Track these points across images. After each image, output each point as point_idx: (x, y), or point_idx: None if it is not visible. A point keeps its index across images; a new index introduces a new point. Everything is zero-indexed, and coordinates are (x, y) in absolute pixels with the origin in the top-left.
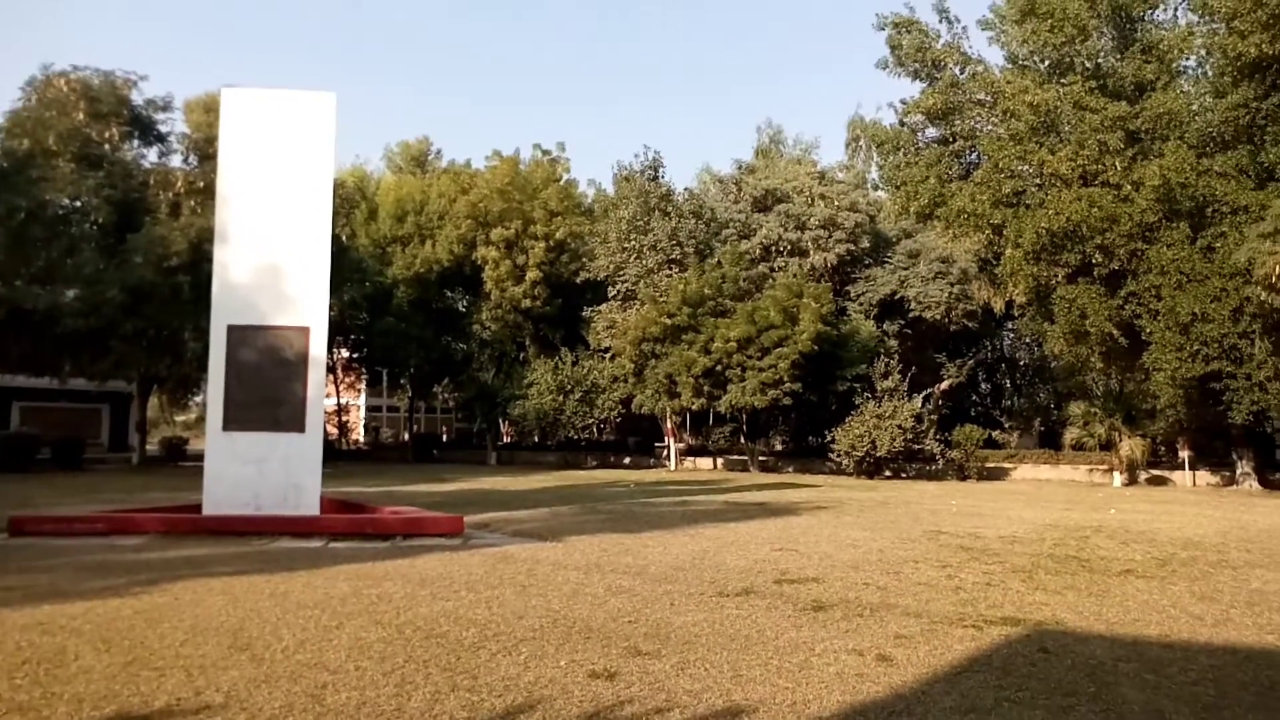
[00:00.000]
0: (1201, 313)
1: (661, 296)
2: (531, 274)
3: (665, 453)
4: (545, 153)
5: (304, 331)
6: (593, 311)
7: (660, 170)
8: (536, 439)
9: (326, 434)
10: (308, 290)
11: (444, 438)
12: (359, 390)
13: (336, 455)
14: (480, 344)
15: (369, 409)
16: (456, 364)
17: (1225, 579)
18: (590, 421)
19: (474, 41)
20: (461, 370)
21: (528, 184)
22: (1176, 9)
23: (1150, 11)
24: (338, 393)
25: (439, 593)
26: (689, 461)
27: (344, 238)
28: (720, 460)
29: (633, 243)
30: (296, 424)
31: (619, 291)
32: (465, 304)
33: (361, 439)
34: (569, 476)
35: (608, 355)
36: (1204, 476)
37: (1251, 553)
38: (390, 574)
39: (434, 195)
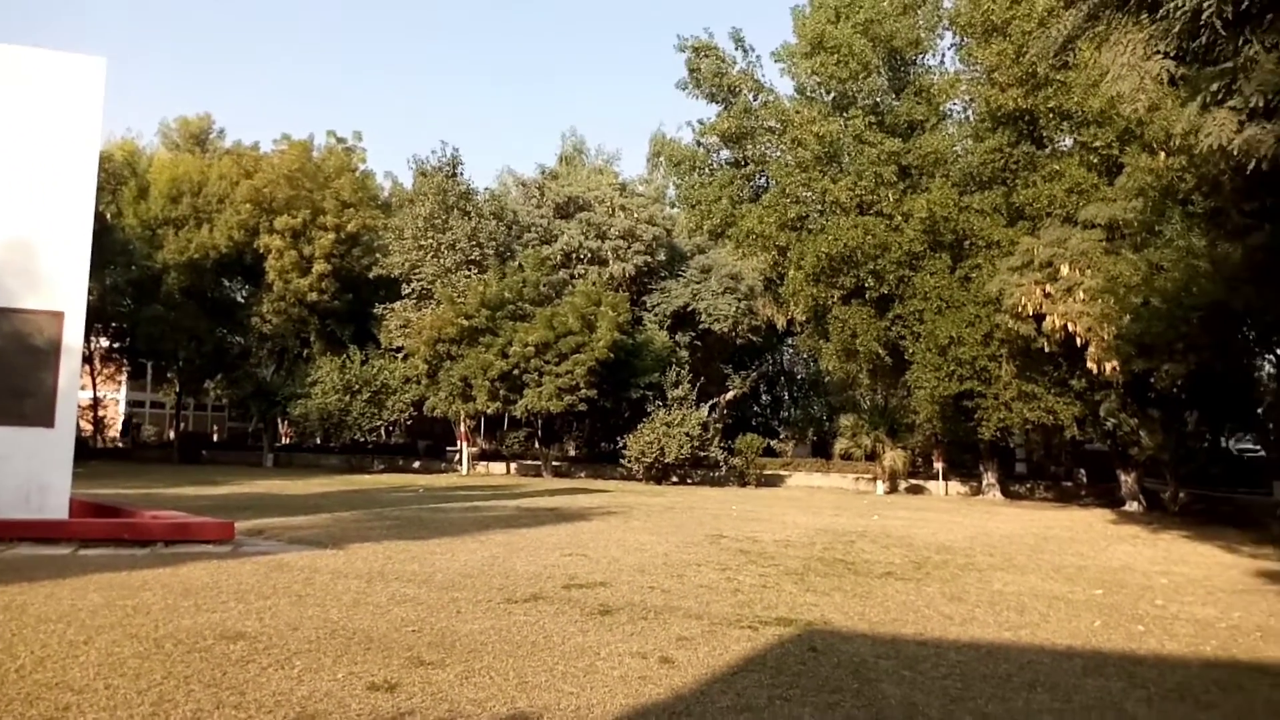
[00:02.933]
0: (957, 336)
1: (460, 297)
2: (319, 266)
3: (457, 457)
4: (340, 141)
5: (57, 316)
6: (385, 309)
7: (459, 168)
8: (319, 441)
9: (80, 430)
10: (64, 271)
11: (215, 437)
12: (119, 383)
13: (91, 454)
14: (260, 338)
15: (130, 404)
16: (232, 358)
17: (971, 581)
18: (379, 423)
19: (269, 18)
20: (237, 365)
21: (319, 172)
22: (945, 56)
23: (922, 56)
24: (94, 385)
25: (204, 603)
26: (482, 466)
27: (109, 216)
28: (514, 465)
29: (430, 240)
30: (44, 418)
31: (414, 290)
32: (244, 294)
33: (120, 436)
34: (354, 480)
35: (400, 355)
36: (955, 486)
37: (994, 557)
38: (149, 583)
39: (214, 177)
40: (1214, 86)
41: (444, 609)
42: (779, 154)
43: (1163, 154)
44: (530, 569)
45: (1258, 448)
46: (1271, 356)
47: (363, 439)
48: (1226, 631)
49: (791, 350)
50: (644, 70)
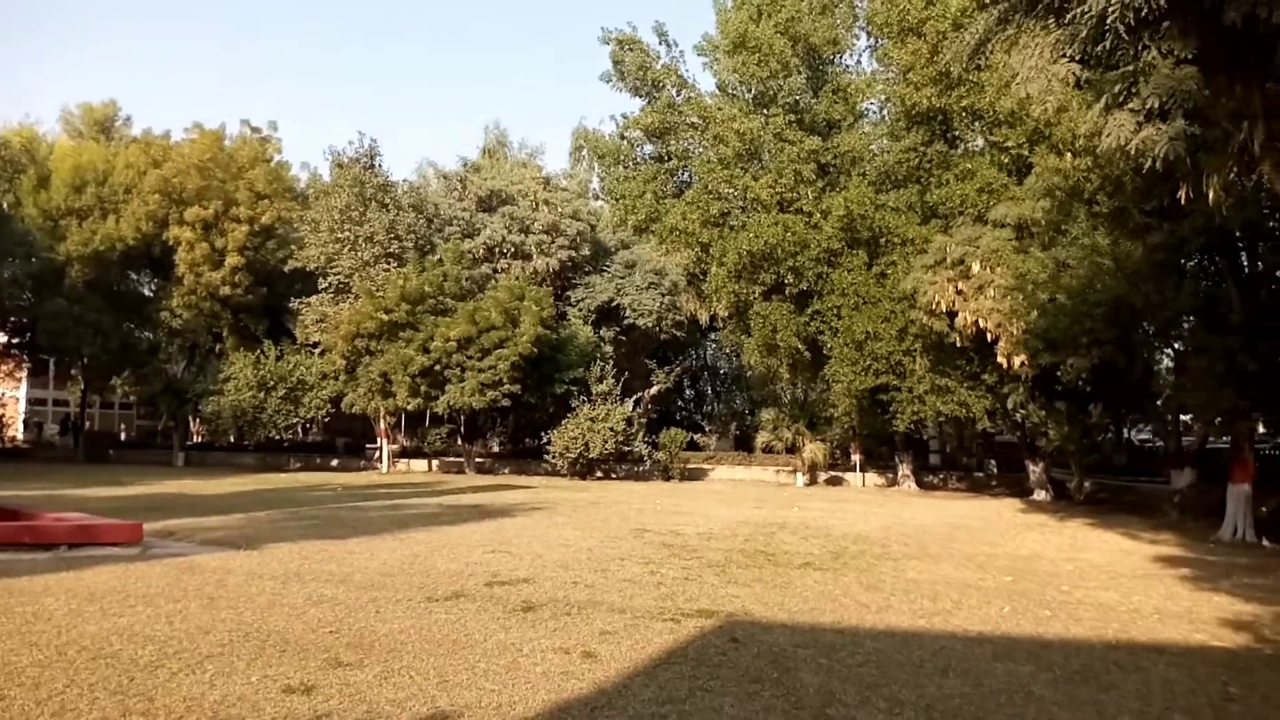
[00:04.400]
0: (873, 332)
1: (379, 291)
2: (232, 259)
3: (377, 455)
4: (255, 130)
5: None
6: (301, 303)
7: (377, 159)
8: (233, 439)
9: None
10: None
11: (122, 436)
12: (19, 380)
13: None
14: (169, 333)
15: (31, 402)
16: (140, 354)
17: (887, 570)
18: (295, 421)
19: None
20: (146, 361)
21: (232, 162)
22: (862, 57)
23: (840, 56)
24: None
25: (110, 608)
26: (403, 464)
27: (6, 206)
28: (436, 462)
29: (347, 233)
30: None
31: (331, 284)
32: (153, 288)
33: (20, 435)
34: (269, 480)
35: (317, 351)
36: (872, 478)
37: (908, 546)
38: (51, 588)
39: (120, 166)
40: (1116, 89)
41: (363, 609)
42: (701, 150)
43: (1069, 155)
44: (452, 567)
45: (1156, 438)
46: (1169, 350)
47: (278, 437)
48: (1127, 615)
49: (715, 345)
50: (567, 63)
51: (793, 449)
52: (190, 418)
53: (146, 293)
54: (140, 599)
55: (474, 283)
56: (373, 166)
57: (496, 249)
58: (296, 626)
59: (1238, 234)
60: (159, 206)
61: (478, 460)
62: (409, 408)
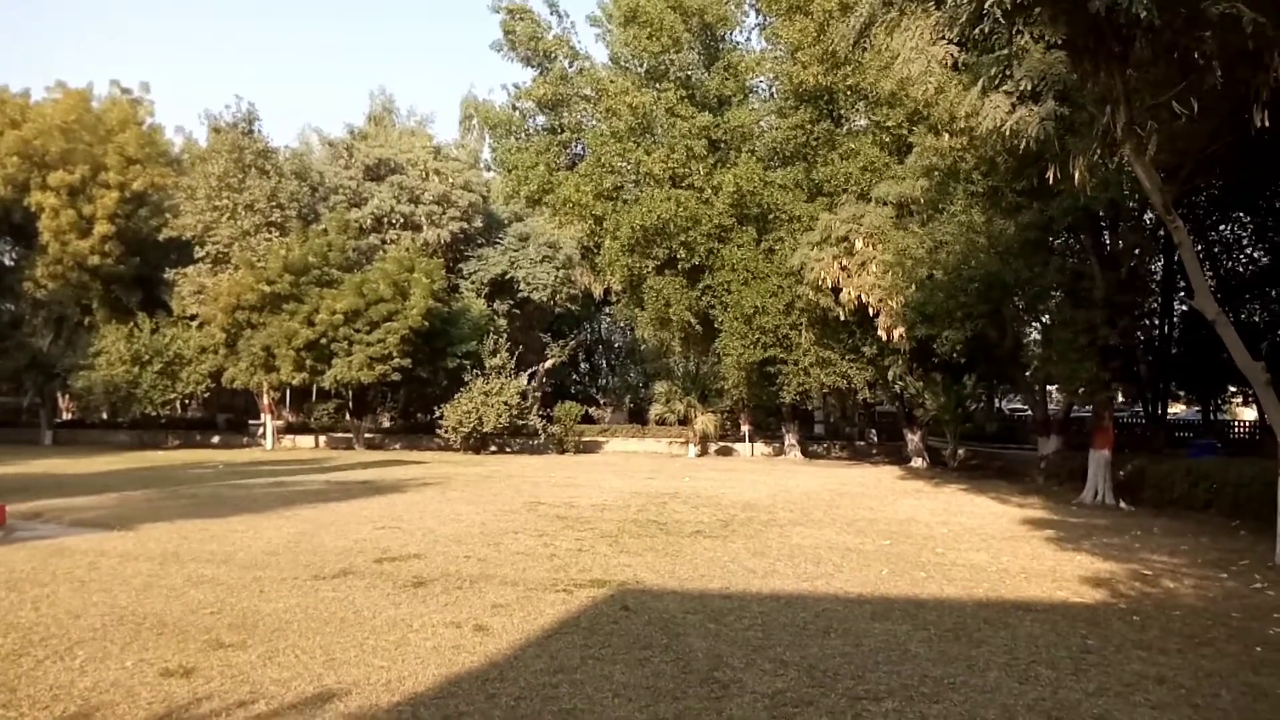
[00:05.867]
0: (762, 306)
1: (260, 261)
2: (101, 227)
3: (261, 431)
4: (125, 91)
5: None
6: (178, 274)
7: (256, 123)
8: (105, 416)
9: None
10: None
11: None
12: None
13: None
14: (34, 305)
15: None
16: (2, 327)
17: (773, 536)
18: (173, 397)
19: None
20: (8, 335)
21: (100, 124)
22: (752, 34)
23: (730, 33)
24: None
25: None
26: (288, 440)
27: None
28: (323, 439)
29: (225, 201)
30: None
31: (209, 253)
32: (14, 257)
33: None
34: (145, 458)
35: (195, 323)
36: (761, 448)
37: (794, 513)
38: None
39: None
40: (991, 72)
41: (246, 589)
42: (595, 123)
43: (947, 135)
44: (340, 544)
45: (1026, 407)
46: (1038, 324)
47: (155, 413)
48: (996, 574)
49: (609, 319)
50: (456, 28)
51: (685, 421)
52: (59, 394)
53: (6, 261)
54: (2, 584)
55: (361, 254)
56: (252, 132)
57: (385, 219)
58: (175, 608)
59: (1101, 214)
60: (18, 170)
61: (367, 436)
62: (294, 382)
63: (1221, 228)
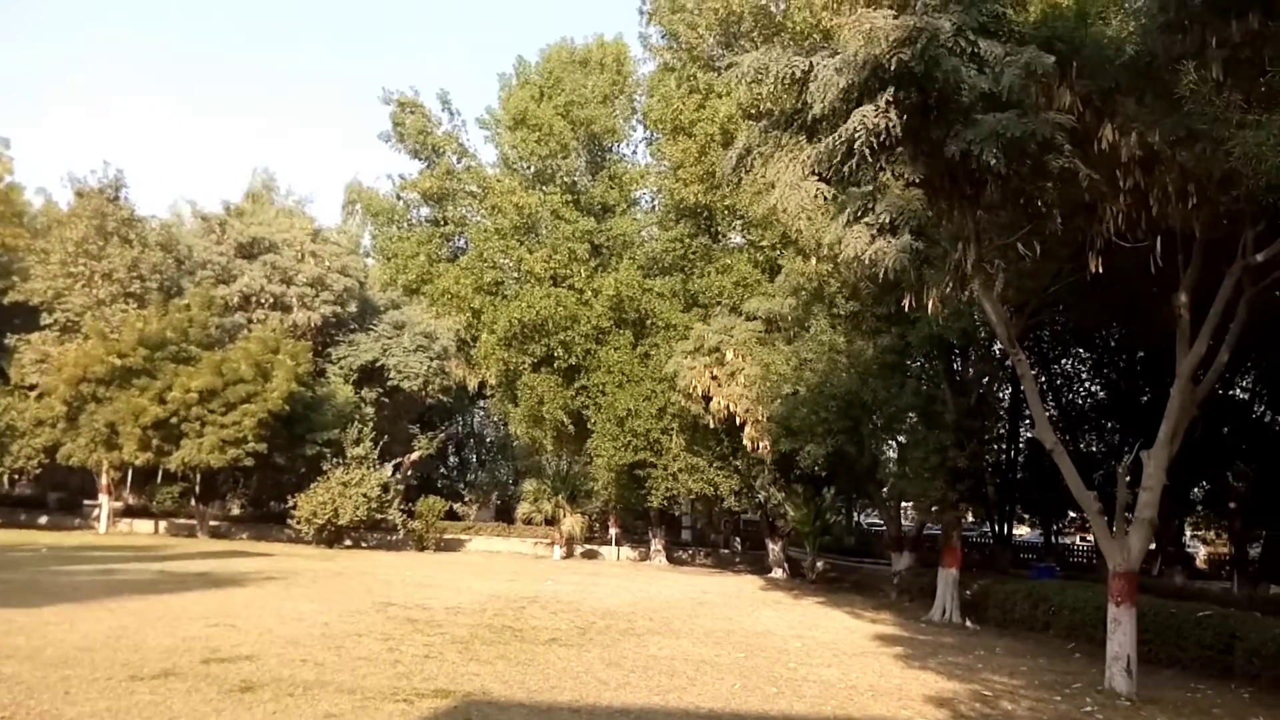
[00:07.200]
0: (635, 409)
1: (114, 333)
2: None
3: (97, 512)
4: None
5: None
6: (20, 340)
7: (123, 190)
8: None
9: None
10: None
11: None
12: None
13: None
14: None
15: None
16: None
17: (630, 646)
18: (1, 471)
19: None
20: None
21: None
22: (638, 148)
23: (618, 144)
24: None
25: None
26: (125, 524)
27: None
28: (165, 524)
29: (82, 267)
30: None
31: (57, 321)
32: None
33: None
34: None
35: (34, 394)
36: (627, 551)
37: (653, 621)
38: None
39: None
40: (855, 205)
41: (49, 690)
42: (479, 218)
43: (814, 259)
44: (165, 641)
45: (882, 522)
46: (893, 442)
47: None
48: (845, 692)
49: (482, 413)
50: (344, 113)
51: (552, 521)
52: None
53: None
54: None
55: (225, 332)
56: (117, 198)
57: (254, 298)
58: None
59: (954, 342)
60: None
61: (213, 524)
62: (137, 462)
63: (1063, 362)
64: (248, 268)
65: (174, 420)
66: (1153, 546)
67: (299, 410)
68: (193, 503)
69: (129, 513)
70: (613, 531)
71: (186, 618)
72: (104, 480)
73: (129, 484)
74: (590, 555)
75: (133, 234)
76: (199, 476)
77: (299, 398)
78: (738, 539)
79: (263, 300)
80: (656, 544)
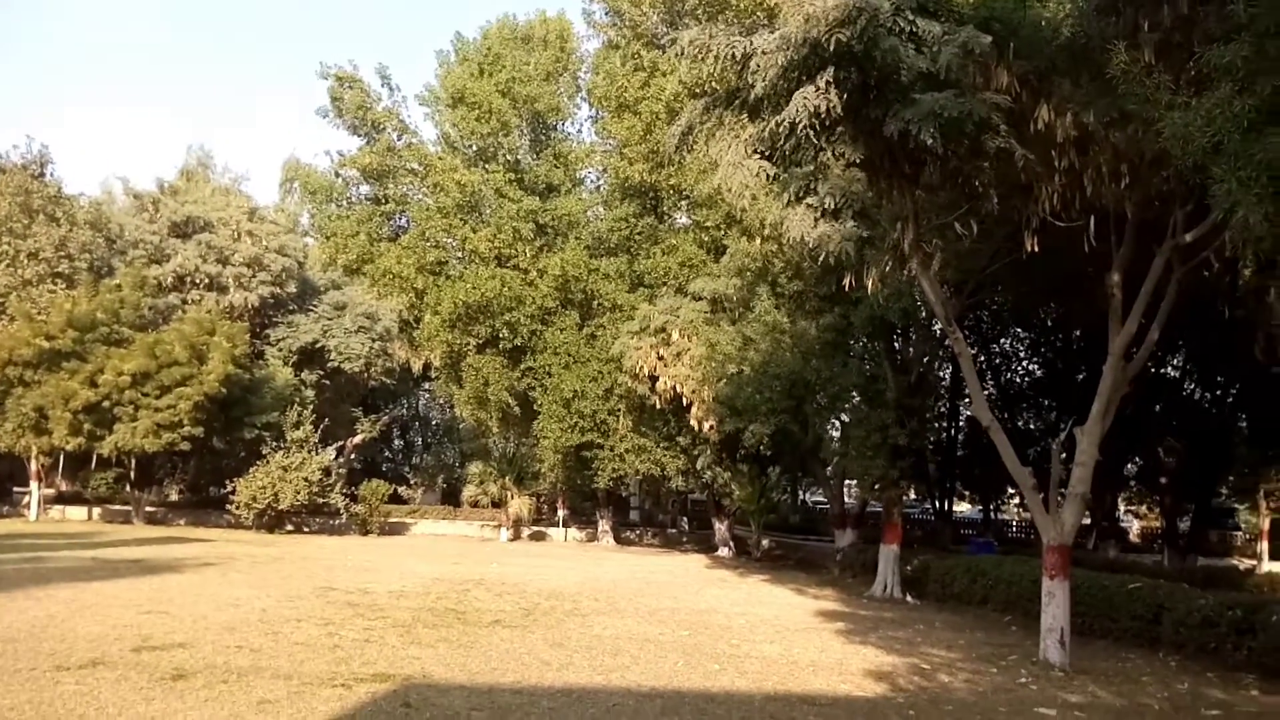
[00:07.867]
0: (581, 390)
1: (40, 314)
2: None
3: (27, 500)
4: None
5: None
6: None
7: (49, 167)
8: None
9: None
10: None
11: None
12: None
13: None
14: None
15: None
16: None
17: (574, 626)
18: None
19: None
20: None
21: None
22: (583, 126)
23: (562, 123)
24: None
25: None
26: (57, 510)
27: None
28: (99, 510)
29: (5, 246)
30: None
31: None
32: None
33: None
34: None
35: None
36: (574, 533)
37: (599, 601)
38: None
39: None
40: (797, 185)
41: None
42: (420, 196)
43: (758, 240)
44: (95, 630)
45: (826, 500)
46: (837, 421)
47: None
48: (786, 668)
49: (427, 395)
50: (282, 89)
51: (499, 503)
52: None
53: None
54: None
55: (159, 313)
56: (43, 175)
57: (188, 279)
58: None
59: (895, 322)
60: None
61: (149, 509)
62: (69, 447)
63: (1002, 341)
64: (182, 247)
65: (106, 404)
66: (1087, 521)
67: (236, 393)
68: (128, 489)
69: (61, 500)
70: (561, 513)
71: (118, 605)
72: (34, 466)
73: (61, 470)
74: (538, 537)
75: (60, 212)
76: (134, 461)
77: (236, 380)
78: (685, 518)
79: (198, 281)
80: (604, 525)
